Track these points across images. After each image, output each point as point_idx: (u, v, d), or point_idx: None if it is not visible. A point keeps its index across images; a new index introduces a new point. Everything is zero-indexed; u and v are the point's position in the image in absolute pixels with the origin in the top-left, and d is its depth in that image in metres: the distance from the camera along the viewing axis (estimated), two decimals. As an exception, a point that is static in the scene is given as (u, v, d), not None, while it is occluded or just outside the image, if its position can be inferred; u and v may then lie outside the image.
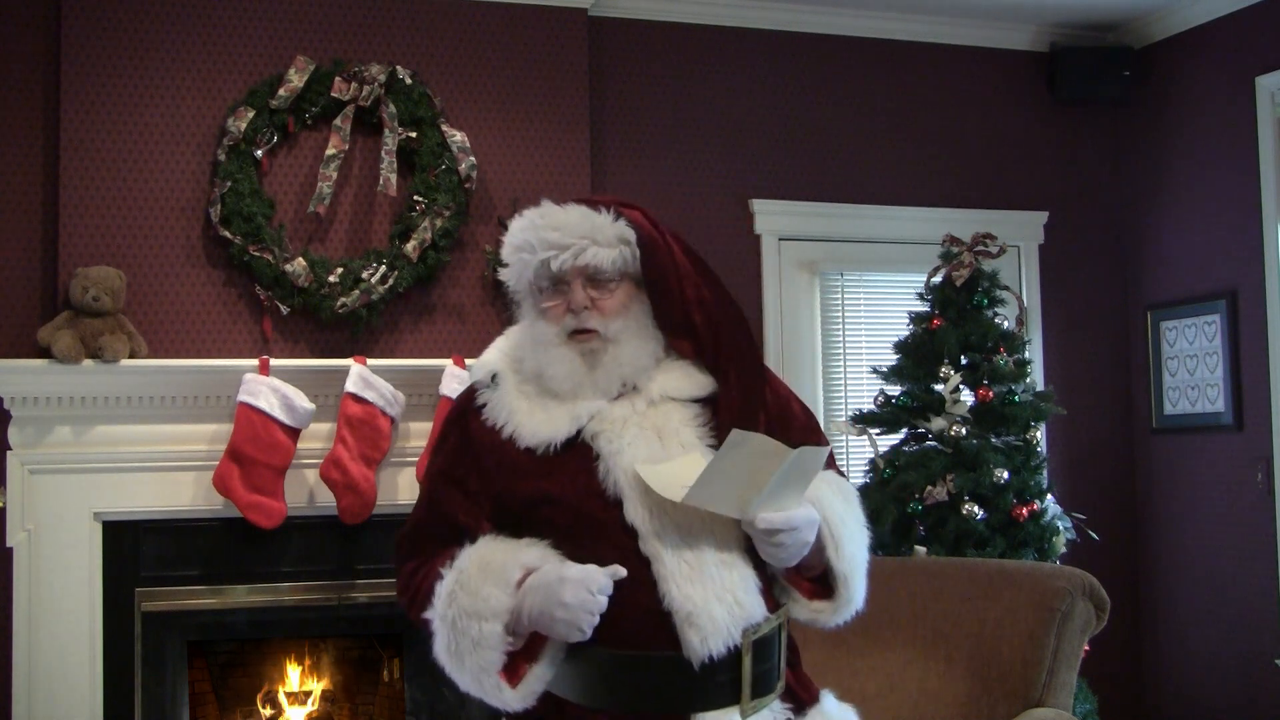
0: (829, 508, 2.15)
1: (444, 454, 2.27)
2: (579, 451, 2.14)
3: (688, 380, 2.20)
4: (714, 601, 2.04)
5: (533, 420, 2.17)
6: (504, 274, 2.28)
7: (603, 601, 2.00)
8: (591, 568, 2.03)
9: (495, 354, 2.30)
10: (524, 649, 2.09)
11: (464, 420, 2.25)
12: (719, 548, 2.08)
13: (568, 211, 2.20)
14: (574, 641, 2.04)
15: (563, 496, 2.12)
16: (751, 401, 2.20)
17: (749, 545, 2.11)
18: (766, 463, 1.99)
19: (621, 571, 2.02)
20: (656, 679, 2.06)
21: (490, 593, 2.04)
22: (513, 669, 2.08)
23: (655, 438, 2.13)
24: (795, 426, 2.25)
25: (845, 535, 2.16)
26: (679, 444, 2.13)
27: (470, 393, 2.28)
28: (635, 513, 2.08)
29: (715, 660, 2.04)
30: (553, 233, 2.17)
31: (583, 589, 2.00)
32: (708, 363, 2.21)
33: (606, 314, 2.17)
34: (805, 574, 2.18)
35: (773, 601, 2.15)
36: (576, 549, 2.08)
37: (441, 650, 2.09)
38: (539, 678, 2.08)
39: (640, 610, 2.04)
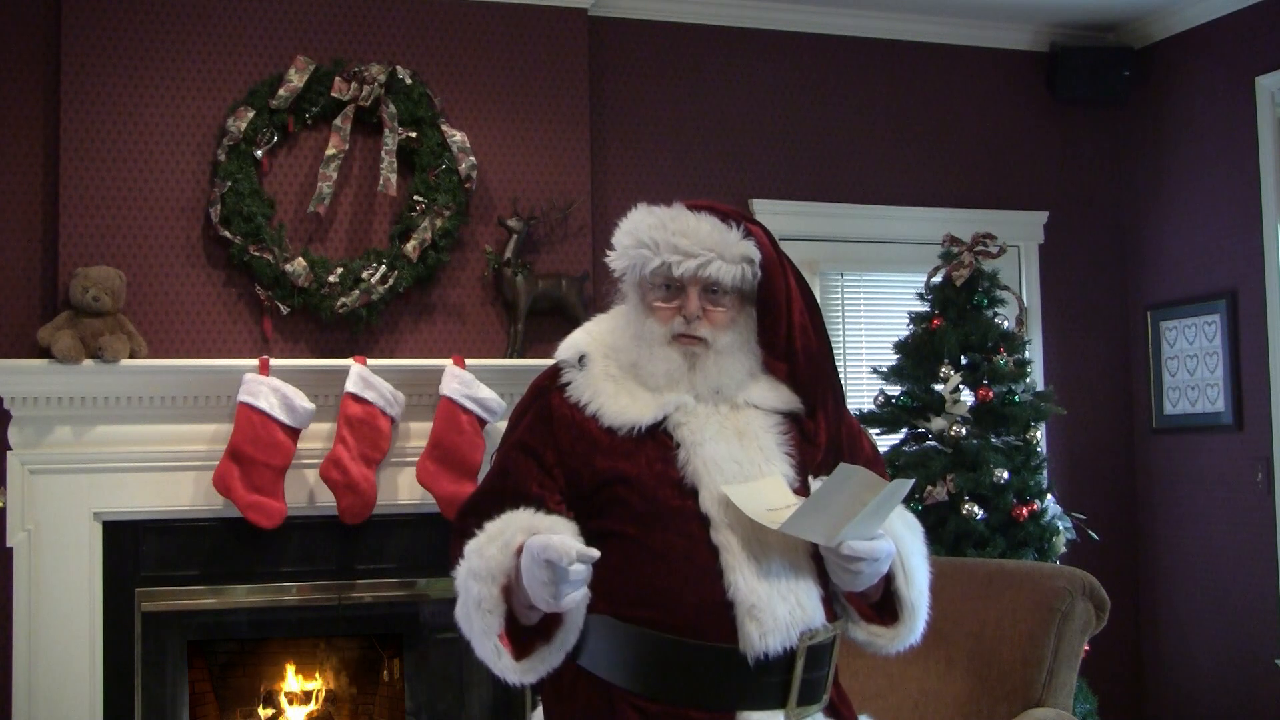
0: (901, 540, 2.20)
1: (521, 427, 2.28)
2: (659, 440, 2.18)
3: (773, 393, 2.25)
4: (778, 599, 2.07)
5: (617, 402, 2.21)
6: (612, 259, 2.30)
7: (579, 570, 1.95)
8: (569, 539, 1.99)
9: (584, 336, 2.33)
10: (539, 627, 2.08)
11: (544, 397, 2.27)
12: (787, 550, 2.11)
13: (699, 220, 2.23)
14: (547, 610, 2.01)
15: (638, 479, 2.14)
16: (835, 433, 2.27)
17: (814, 551, 2.14)
18: (862, 494, 2.03)
19: (595, 554, 1.96)
20: (707, 670, 2.07)
21: (492, 554, 2.05)
22: (527, 645, 2.08)
23: (735, 438, 2.18)
24: (863, 460, 2.29)
25: (914, 567, 2.22)
26: (758, 447, 2.18)
27: (553, 371, 2.30)
28: (710, 502, 2.11)
29: (769, 659, 2.06)
30: (682, 239, 2.20)
31: (561, 554, 1.93)
32: (798, 386, 2.26)
33: (716, 325, 2.22)
34: (863, 599, 2.23)
35: (831, 613, 2.18)
36: (647, 533, 2.11)
37: (457, 612, 2.10)
38: (544, 660, 2.08)
39: (702, 599, 2.07)
